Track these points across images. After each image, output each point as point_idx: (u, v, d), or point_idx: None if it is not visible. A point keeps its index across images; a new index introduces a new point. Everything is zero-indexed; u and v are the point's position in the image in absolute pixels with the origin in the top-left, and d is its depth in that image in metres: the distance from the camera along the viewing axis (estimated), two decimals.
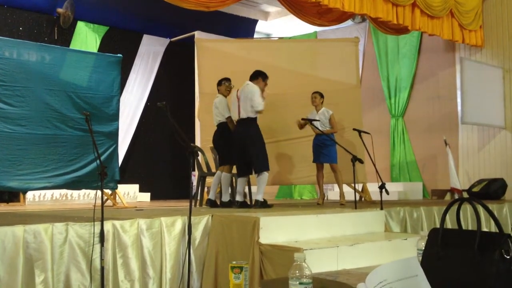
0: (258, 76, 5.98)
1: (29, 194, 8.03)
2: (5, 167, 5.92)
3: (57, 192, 8.36)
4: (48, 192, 8.26)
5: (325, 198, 7.49)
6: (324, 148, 6.75)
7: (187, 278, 3.79)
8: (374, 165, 5.54)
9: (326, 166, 6.92)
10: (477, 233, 1.51)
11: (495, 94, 8.91)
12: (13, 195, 7.89)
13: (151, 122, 10.45)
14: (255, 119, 5.89)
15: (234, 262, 2.07)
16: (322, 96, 6.93)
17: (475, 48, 9.27)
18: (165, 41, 10.78)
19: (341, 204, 6.60)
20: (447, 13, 8.35)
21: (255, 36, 11.71)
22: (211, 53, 8.00)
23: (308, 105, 7.05)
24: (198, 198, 6.66)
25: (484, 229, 1.82)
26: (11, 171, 5.96)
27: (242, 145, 5.85)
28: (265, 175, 5.85)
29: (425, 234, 1.77)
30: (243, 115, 5.85)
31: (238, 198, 5.92)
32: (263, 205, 5.78)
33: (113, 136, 6.70)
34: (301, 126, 6.77)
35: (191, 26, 9.81)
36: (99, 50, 9.66)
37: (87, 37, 9.79)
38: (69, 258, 3.45)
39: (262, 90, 5.92)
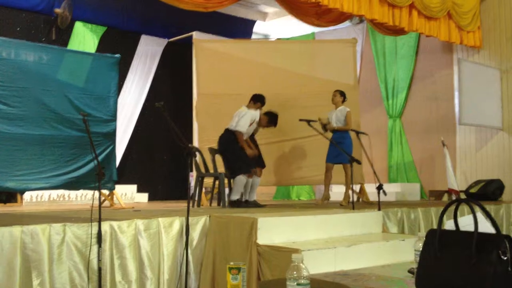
0: (257, 101, 6.44)
1: (27, 195, 8.01)
2: (2, 168, 5.89)
3: (54, 193, 8.34)
4: (46, 193, 8.24)
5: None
6: (342, 145, 6.45)
7: (185, 279, 3.79)
8: (372, 166, 5.55)
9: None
10: (475, 234, 1.52)
11: (492, 95, 8.92)
12: (10, 196, 7.86)
13: (149, 122, 10.42)
14: (233, 132, 6.31)
15: (232, 263, 2.07)
16: (342, 94, 6.89)
17: (473, 49, 9.28)
18: (163, 42, 10.76)
19: (341, 205, 6.59)
20: (444, 14, 8.36)
21: (253, 37, 11.70)
22: (209, 53, 8.00)
23: (307, 106, 7.05)
24: (196, 198, 6.67)
25: None
26: (8, 172, 5.94)
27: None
28: (240, 177, 6.17)
29: (422, 235, 1.78)
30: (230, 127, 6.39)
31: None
32: (234, 204, 6.18)
33: (111, 136, 6.68)
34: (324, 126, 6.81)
35: (189, 26, 9.80)
36: (97, 50, 9.64)
37: (85, 38, 9.76)
38: (66, 259, 3.44)
39: (264, 124, 6.52)
